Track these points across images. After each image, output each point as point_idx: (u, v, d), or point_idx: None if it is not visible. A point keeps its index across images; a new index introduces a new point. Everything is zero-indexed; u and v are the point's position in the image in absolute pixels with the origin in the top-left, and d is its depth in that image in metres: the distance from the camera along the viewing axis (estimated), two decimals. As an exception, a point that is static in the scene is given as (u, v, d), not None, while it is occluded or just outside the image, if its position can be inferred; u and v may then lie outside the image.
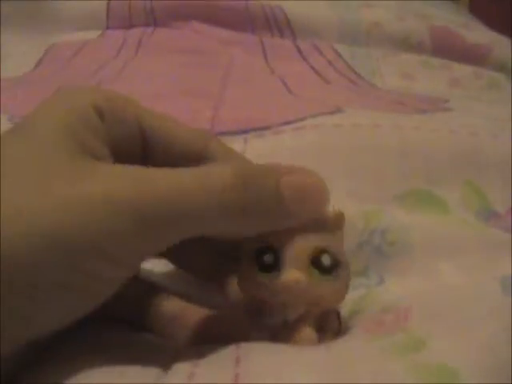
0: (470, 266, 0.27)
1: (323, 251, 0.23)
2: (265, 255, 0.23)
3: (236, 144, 0.35)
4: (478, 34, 0.66)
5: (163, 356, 0.22)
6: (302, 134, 0.35)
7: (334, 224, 0.23)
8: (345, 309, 0.26)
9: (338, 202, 0.30)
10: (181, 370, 0.20)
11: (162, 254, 0.28)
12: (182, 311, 0.25)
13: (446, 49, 0.63)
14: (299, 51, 0.60)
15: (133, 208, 0.20)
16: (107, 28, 0.65)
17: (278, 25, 0.64)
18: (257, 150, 0.34)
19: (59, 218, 0.19)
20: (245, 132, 0.36)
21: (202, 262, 0.28)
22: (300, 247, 0.23)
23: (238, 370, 0.20)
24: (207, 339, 0.23)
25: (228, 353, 0.21)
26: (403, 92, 0.52)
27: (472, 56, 0.63)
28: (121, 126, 0.24)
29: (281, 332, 0.23)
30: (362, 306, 0.26)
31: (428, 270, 0.27)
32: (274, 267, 0.23)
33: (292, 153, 0.33)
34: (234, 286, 0.26)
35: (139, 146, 0.24)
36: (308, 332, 0.23)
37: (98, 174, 0.20)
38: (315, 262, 0.22)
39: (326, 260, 0.23)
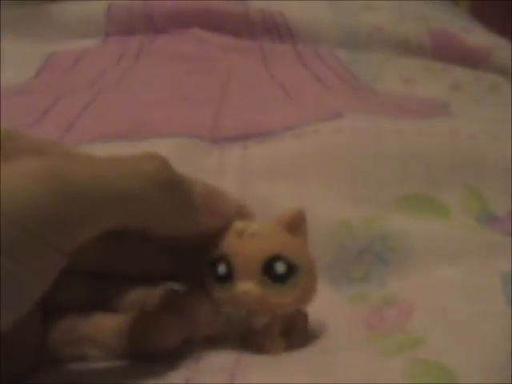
0: (470, 268, 0.27)
1: (277, 258, 0.22)
2: (219, 266, 0.22)
3: (235, 150, 0.35)
4: (478, 36, 0.66)
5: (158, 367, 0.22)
6: (303, 139, 0.35)
7: (294, 224, 0.22)
8: (344, 298, 0.26)
9: (339, 207, 0.30)
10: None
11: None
12: None
13: (447, 52, 0.63)
14: (299, 57, 0.60)
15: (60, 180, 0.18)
16: (107, 34, 0.65)
17: (278, 30, 0.64)
18: (256, 157, 0.34)
19: None
20: (245, 138, 0.36)
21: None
22: (251, 255, 0.22)
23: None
24: None
25: (224, 367, 0.21)
26: (404, 96, 0.52)
27: (472, 59, 0.62)
28: None
29: (248, 340, 0.23)
30: (365, 296, 0.26)
31: (429, 274, 0.27)
32: (229, 278, 0.22)
33: (292, 159, 0.33)
34: None
35: None
36: (274, 341, 0.23)
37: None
38: (268, 270, 0.22)
39: (279, 267, 0.22)
